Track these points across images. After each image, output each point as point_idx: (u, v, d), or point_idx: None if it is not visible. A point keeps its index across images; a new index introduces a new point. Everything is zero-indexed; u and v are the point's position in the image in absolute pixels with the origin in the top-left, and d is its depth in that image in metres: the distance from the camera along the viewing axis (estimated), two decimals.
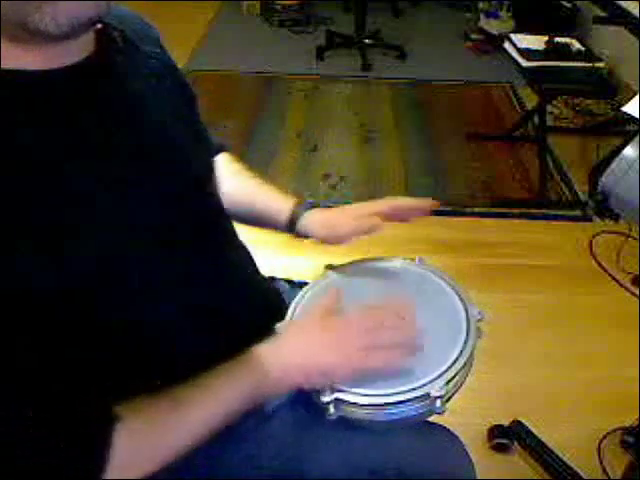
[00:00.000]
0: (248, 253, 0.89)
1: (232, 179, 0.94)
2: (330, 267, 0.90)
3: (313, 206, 0.91)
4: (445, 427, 0.85)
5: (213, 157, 0.90)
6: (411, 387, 0.71)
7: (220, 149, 0.98)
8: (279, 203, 0.92)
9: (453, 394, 0.74)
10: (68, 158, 0.59)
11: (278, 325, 0.79)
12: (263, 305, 0.85)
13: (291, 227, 0.90)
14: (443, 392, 0.70)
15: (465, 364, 0.74)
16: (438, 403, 0.71)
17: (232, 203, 0.89)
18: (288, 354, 0.71)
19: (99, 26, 0.63)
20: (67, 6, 0.52)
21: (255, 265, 0.91)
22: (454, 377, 0.72)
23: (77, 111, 0.61)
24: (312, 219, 0.89)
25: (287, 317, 0.81)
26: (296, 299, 0.85)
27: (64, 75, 0.59)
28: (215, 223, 0.81)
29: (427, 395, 0.71)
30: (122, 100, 0.66)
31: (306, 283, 0.90)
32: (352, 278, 0.88)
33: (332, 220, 0.89)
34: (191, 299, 0.72)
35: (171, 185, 0.70)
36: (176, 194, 0.70)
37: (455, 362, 0.73)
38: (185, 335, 0.72)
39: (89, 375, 0.64)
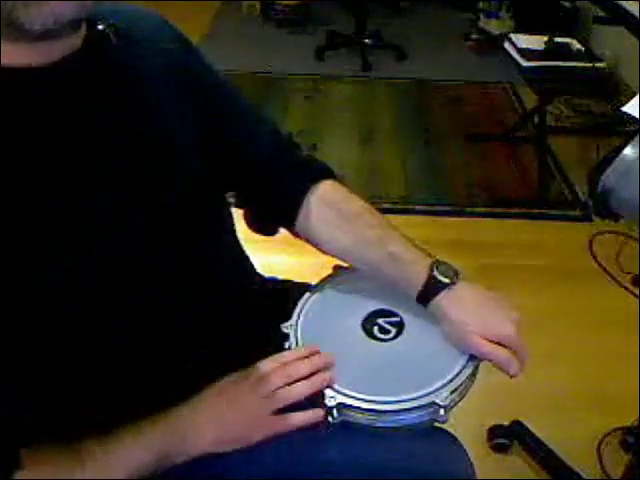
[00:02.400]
0: (246, 256, 0.89)
1: (345, 229, 0.82)
2: (338, 268, 0.89)
3: (452, 275, 0.76)
4: (444, 428, 0.85)
5: (304, 186, 0.84)
6: (416, 395, 0.70)
7: (320, 175, 0.86)
8: (410, 272, 0.77)
9: (457, 403, 0.73)
10: (61, 157, 0.59)
11: (284, 325, 0.79)
12: (265, 307, 0.85)
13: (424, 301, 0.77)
14: (449, 401, 0.70)
15: (472, 373, 0.74)
16: (442, 412, 0.70)
17: (346, 256, 0.83)
18: (203, 421, 0.68)
19: (85, 24, 0.63)
20: (52, 4, 0.53)
21: (253, 266, 0.91)
22: (460, 386, 0.72)
23: (65, 108, 0.60)
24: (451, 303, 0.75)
25: (293, 318, 0.81)
26: (303, 299, 0.84)
27: (45, 72, 0.58)
28: (215, 223, 0.81)
29: (432, 404, 0.70)
30: (113, 98, 0.65)
31: (305, 283, 0.90)
32: (359, 280, 0.86)
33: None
34: (191, 300, 0.72)
35: (170, 185, 0.70)
36: (176, 194, 0.70)
37: (462, 371, 0.73)
38: (185, 338, 0.72)
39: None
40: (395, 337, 0.78)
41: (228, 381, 0.71)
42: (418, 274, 0.76)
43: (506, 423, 1.50)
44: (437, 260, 0.78)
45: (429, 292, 0.75)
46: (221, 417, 0.69)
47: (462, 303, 0.76)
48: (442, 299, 0.75)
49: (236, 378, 0.71)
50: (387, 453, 0.77)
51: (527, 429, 1.47)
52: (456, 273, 0.77)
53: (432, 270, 0.76)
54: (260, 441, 0.70)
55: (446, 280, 0.75)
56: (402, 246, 0.79)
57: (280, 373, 0.70)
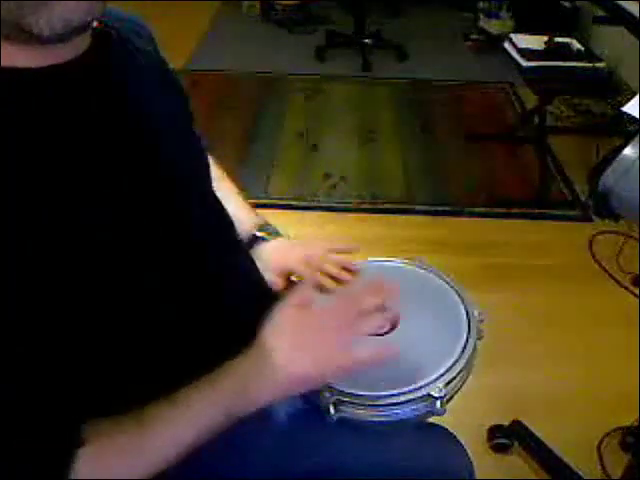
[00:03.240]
0: (250, 257, 0.89)
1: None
2: None
3: (275, 233, 0.95)
4: (444, 427, 0.85)
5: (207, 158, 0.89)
6: (411, 388, 0.71)
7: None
8: (244, 216, 0.95)
9: (453, 395, 0.73)
10: (65, 161, 0.59)
11: None
12: (264, 306, 0.85)
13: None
14: (443, 393, 0.70)
15: (466, 365, 0.74)
16: (438, 404, 0.70)
17: None
18: (267, 366, 0.65)
19: (95, 24, 0.63)
20: (62, 9, 0.52)
21: (257, 267, 0.91)
22: (454, 378, 0.72)
23: (73, 110, 0.60)
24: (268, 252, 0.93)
25: None
26: None
27: (55, 73, 0.58)
28: (216, 223, 0.81)
29: (427, 396, 0.70)
30: (118, 99, 0.65)
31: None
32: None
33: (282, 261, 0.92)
34: (192, 301, 0.72)
35: (172, 185, 0.70)
36: (177, 195, 0.71)
37: (456, 363, 0.73)
38: (186, 336, 0.72)
39: (69, 383, 0.62)
40: (389, 331, 0.79)
41: (291, 312, 0.69)
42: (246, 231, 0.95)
43: (506, 423, 1.50)
44: (265, 223, 0.97)
45: (252, 244, 0.94)
46: (288, 357, 0.66)
47: (269, 247, 0.94)
48: (260, 248, 0.94)
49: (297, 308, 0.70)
50: (387, 453, 0.77)
51: (527, 429, 1.48)
52: (276, 232, 0.97)
53: (256, 229, 0.95)
54: (331, 378, 0.69)
55: (261, 235, 0.95)
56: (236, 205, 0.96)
57: (344, 309, 0.70)
